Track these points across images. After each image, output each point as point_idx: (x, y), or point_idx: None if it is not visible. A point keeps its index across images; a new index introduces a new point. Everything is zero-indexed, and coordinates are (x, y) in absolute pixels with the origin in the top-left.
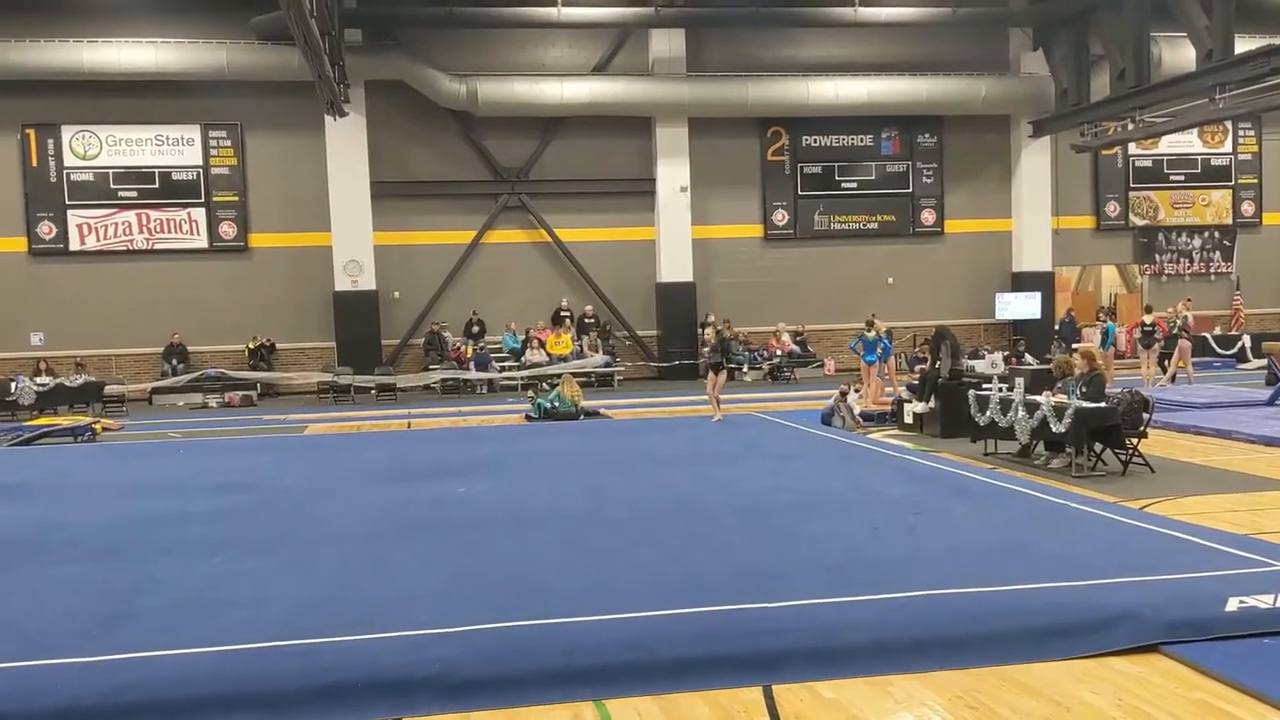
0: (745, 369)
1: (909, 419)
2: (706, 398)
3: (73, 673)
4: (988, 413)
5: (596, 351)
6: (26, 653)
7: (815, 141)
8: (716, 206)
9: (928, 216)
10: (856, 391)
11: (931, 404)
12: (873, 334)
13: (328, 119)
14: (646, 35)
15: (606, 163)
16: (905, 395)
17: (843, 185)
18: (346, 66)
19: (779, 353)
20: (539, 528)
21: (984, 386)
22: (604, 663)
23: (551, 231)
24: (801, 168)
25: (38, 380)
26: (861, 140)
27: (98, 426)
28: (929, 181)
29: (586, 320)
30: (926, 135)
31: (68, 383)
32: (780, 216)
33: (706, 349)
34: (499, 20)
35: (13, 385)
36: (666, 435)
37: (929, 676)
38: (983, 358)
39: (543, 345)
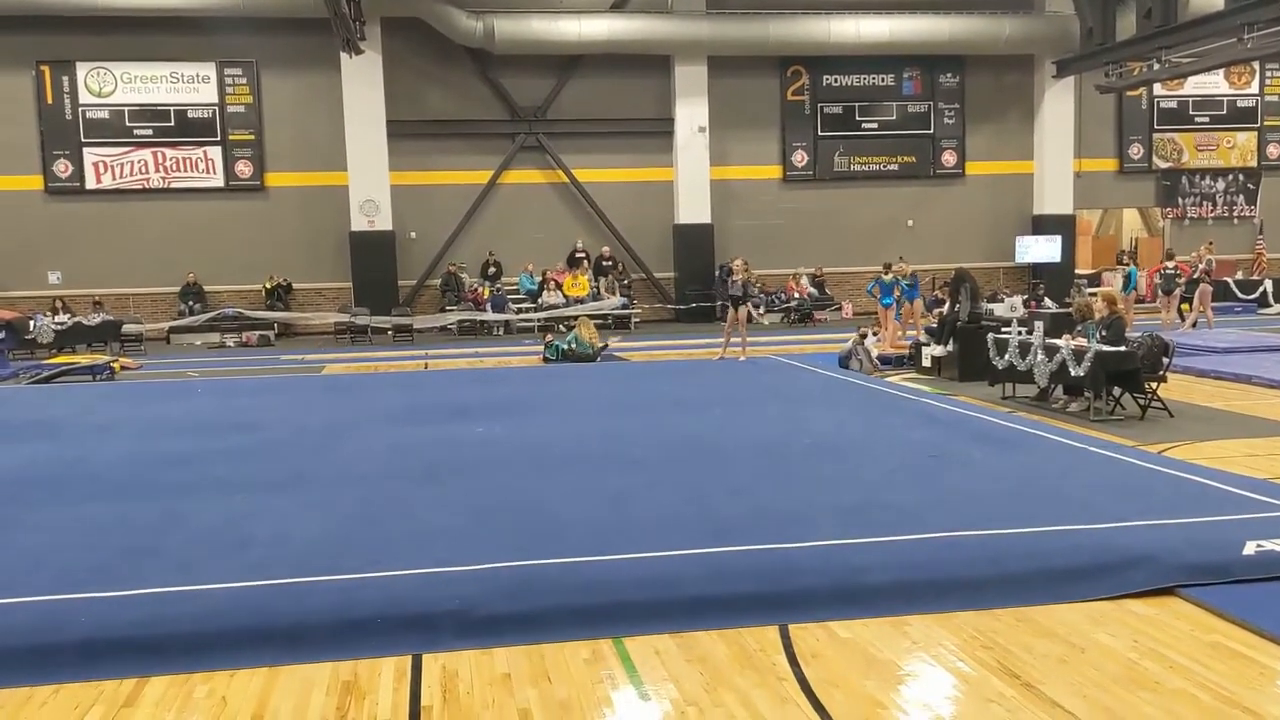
0: (763, 311)
1: (927, 362)
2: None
3: (97, 606)
4: (1006, 356)
5: (613, 293)
6: (52, 587)
7: (836, 81)
8: (735, 147)
9: (948, 158)
10: (875, 335)
11: (950, 347)
12: (889, 277)
13: (343, 57)
14: None
15: (624, 102)
16: (923, 339)
17: (863, 126)
18: (362, 3)
19: (797, 296)
20: (557, 468)
21: (1003, 330)
22: (622, 601)
23: (569, 172)
24: (822, 108)
25: (56, 319)
26: (882, 80)
27: (116, 365)
28: (950, 122)
29: (604, 262)
30: (948, 75)
31: (86, 321)
32: (800, 157)
33: (734, 281)
34: None
35: (31, 323)
36: (683, 378)
37: (946, 617)
38: (1002, 301)
39: (559, 287)
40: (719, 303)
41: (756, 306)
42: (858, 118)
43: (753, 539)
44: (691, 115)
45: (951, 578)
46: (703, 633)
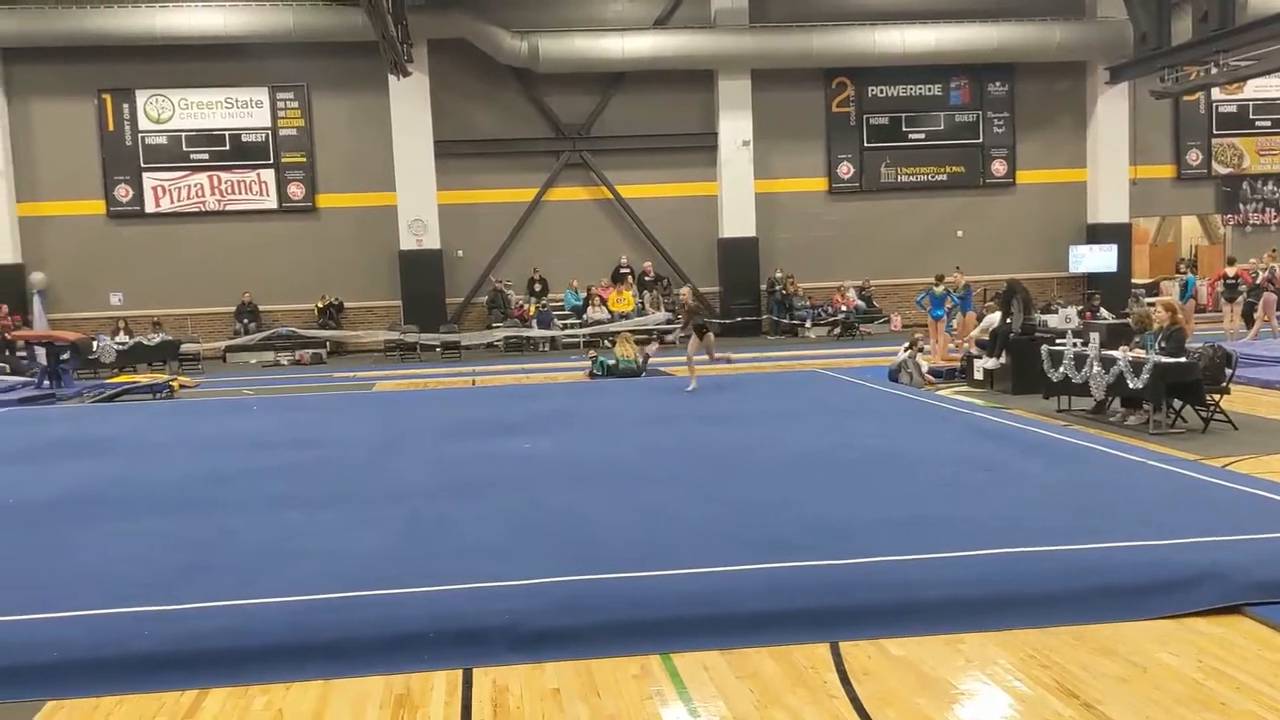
0: (809, 325)
1: (979, 375)
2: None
3: (153, 620)
4: (1061, 368)
5: (658, 309)
6: (110, 601)
7: (881, 92)
8: (780, 160)
9: (998, 167)
10: (923, 351)
11: (1002, 360)
12: (940, 288)
13: (391, 79)
14: None
15: (668, 117)
16: (975, 351)
17: (910, 136)
18: (409, 26)
19: (843, 308)
20: (604, 483)
21: (1057, 342)
22: (671, 616)
23: (612, 188)
24: (867, 119)
25: (117, 339)
26: (929, 90)
27: (175, 384)
28: (1000, 131)
29: (647, 277)
30: (997, 84)
31: (146, 341)
32: (845, 169)
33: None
34: None
35: (94, 344)
36: (729, 392)
37: (1001, 635)
38: (1055, 312)
39: (604, 303)
40: (766, 317)
41: (802, 321)
42: (904, 128)
43: (802, 554)
44: (735, 129)
45: (1006, 594)
46: (752, 649)
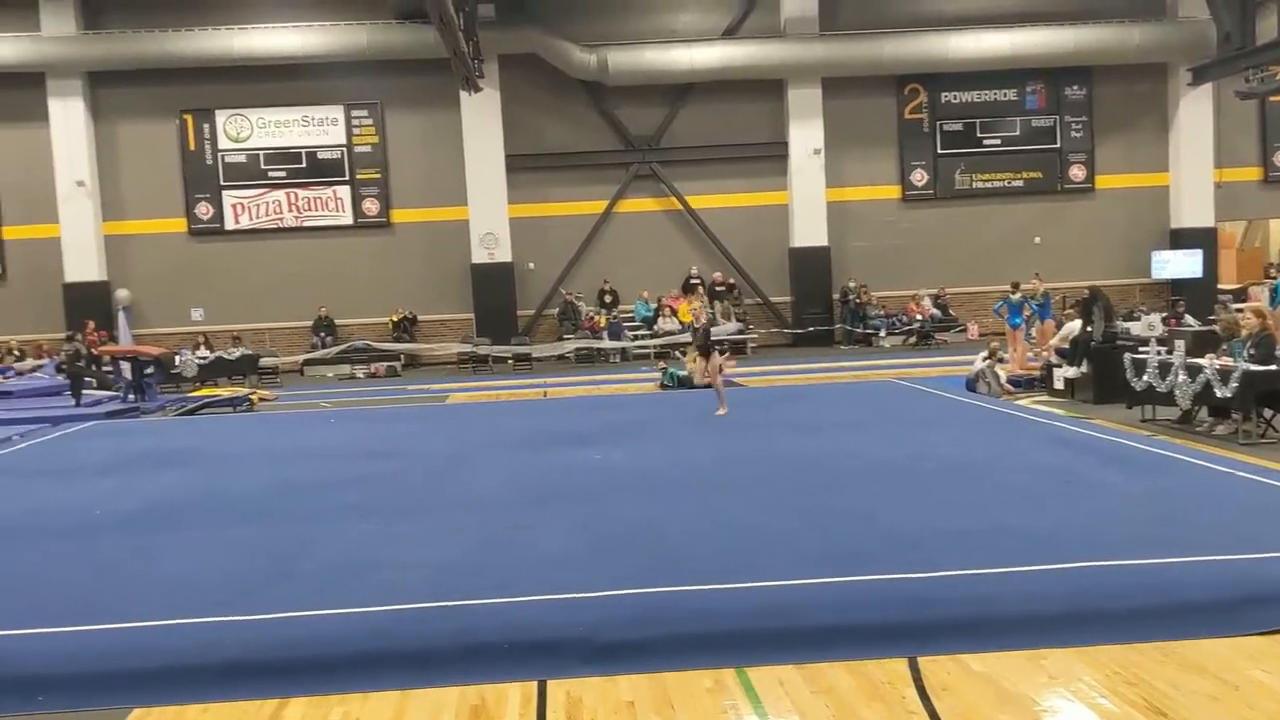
0: (883, 334)
1: (1059, 384)
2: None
3: (236, 630)
4: (1145, 377)
5: (729, 319)
6: (194, 610)
7: (955, 98)
8: (852, 168)
9: (1077, 172)
10: (1002, 360)
11: (1083, 369)
12: (1017, 296)
13: (463, 95)
14: None
15: (737, 127)
16: (1055, 360)
17: (985, 142)
18: (480, 42)
19: (918, 317)
20: (676, 494)
21: (1141, 349)
22: (745, 629)
23: (682, 199)
24: (941, 125)
25: (199, 354)
26: (1004, 95)
27: (254, 397)
28: (1078, 135)
29: (717, 287)
30: (1075, 87)
31: (226, 356)
32: (919, 176)
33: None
34: None
35: (177, 358)
36: (801, 403)
37: (1085, 651)
38: (1138, 319)
39: (675, 313)
40: (839, 326)
41: (875, 331)
42: (979, 134)
43: (878, 567)
44: (806, 137)
45: (1090, 609)
46: (828, 664)
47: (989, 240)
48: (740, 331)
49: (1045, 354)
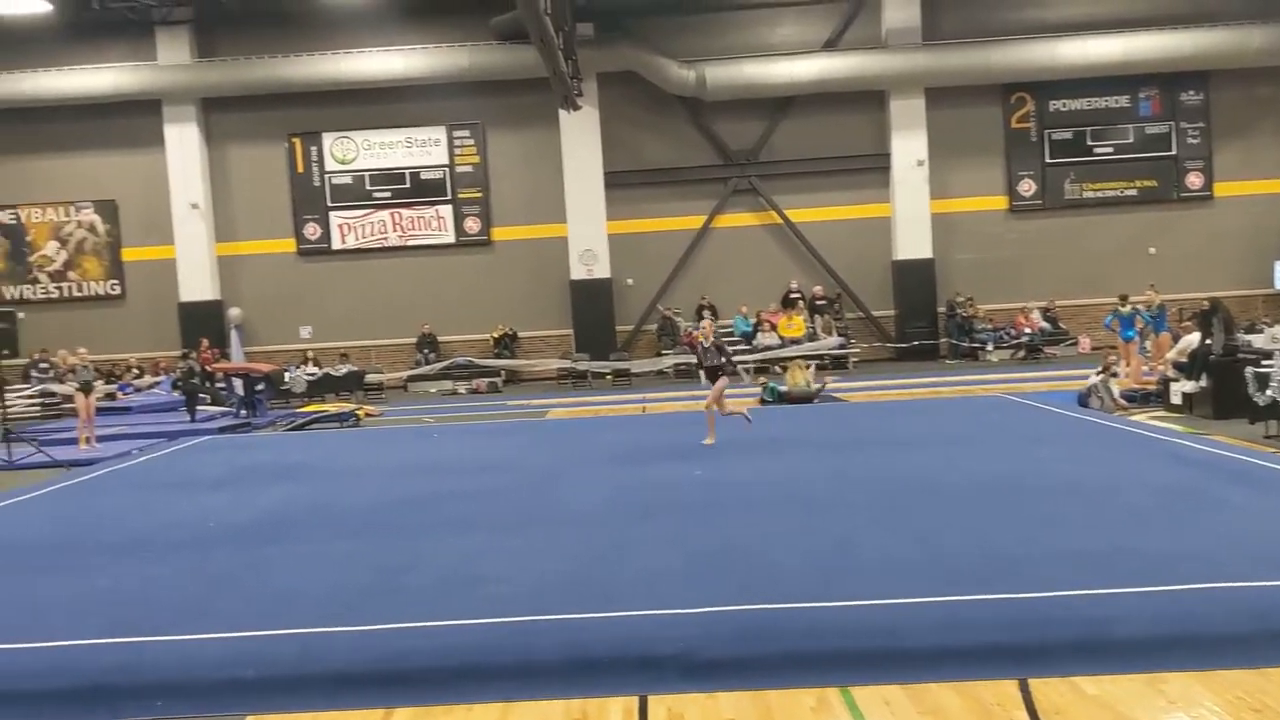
0: (990, 348)
1: (1176, 399)
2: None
3: (346, 640)
4: (1269, 391)
5: (830, 333)
6: (305, 621)
7: (1064, 105)
8: (957, 178)
9: (1194, 180)
10: (1116, 375)
11: (1202, 383)
12: (1127, 309)
13: (562, 113)
14: (879, 5)
15: (837, 139)
16: (1172, 374)
17: (1095, 151)
18: (579, 60)
19: (1027, 331)
20: (776, 510)
21: (1264, 363)
22: (849, 648)
23: (781, 212)
24: (1049, 134)
25: (307, 370)
26: (1116, 102)
27: (360, 412)
28: (1195, 142)
29: (818, 301)
30: (1191, 92)
31: (333, 372)
32: (1026, 186)
33: (707, 347)
34: (727, 2)
35: (286, 375)
36: (905, 418)
37: (1207, 675)
38: (1260, 331)
39: (774, 328)
40: (944, 340)
41: (982, 345)
42: (1089, 142)
43: (987, 586)
44: (908, 148)
45: (1213, 632)
46: (935, 684)
47: (1101, 250)
48: (842, 346)
49: (1161, 368)
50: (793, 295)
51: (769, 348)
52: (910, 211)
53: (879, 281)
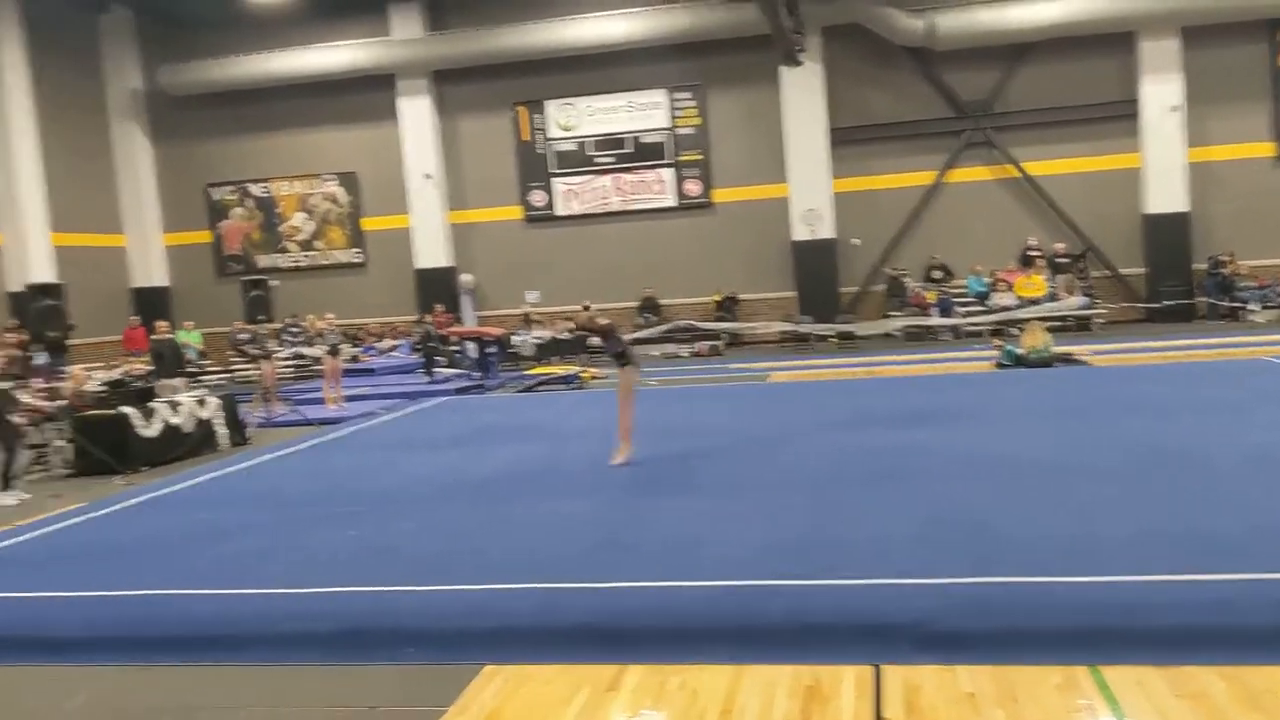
0: (1254, 308)
1: None
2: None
3: (581, 596)
4: None
5: (1073, 293)
6: (540, 576)
7: None
8: (1215, 125)
9: None
10: None
11: None
12: None
13: (782, 70)
14: None
15: (1079, 87)
16: None
17: None
18: (802, 15)
19: None
20: (1012, 478)
21: None
22: (1098, 626)
23: (1019, 166)
24: None
25: (534, 334)
26: None
27: (585, 375)
28: None
29: (1059, 259)
30: None
31: (559, 336)
32: None
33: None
34: None
35: (514, 338)
36: (1156, 383)
37: None
38: None
39: (1011, 288)
40: (1201, 299)
41: (1243, 303)
42: None
43: (1255, 564)
44: (1160, 94)
45: None
46: (1196, 667)
47: None
48: (1087, 306)
49: None
50: (1031, 253)
51: (1005, 308)
52: (1163, 161)
53: (1126, 237)
